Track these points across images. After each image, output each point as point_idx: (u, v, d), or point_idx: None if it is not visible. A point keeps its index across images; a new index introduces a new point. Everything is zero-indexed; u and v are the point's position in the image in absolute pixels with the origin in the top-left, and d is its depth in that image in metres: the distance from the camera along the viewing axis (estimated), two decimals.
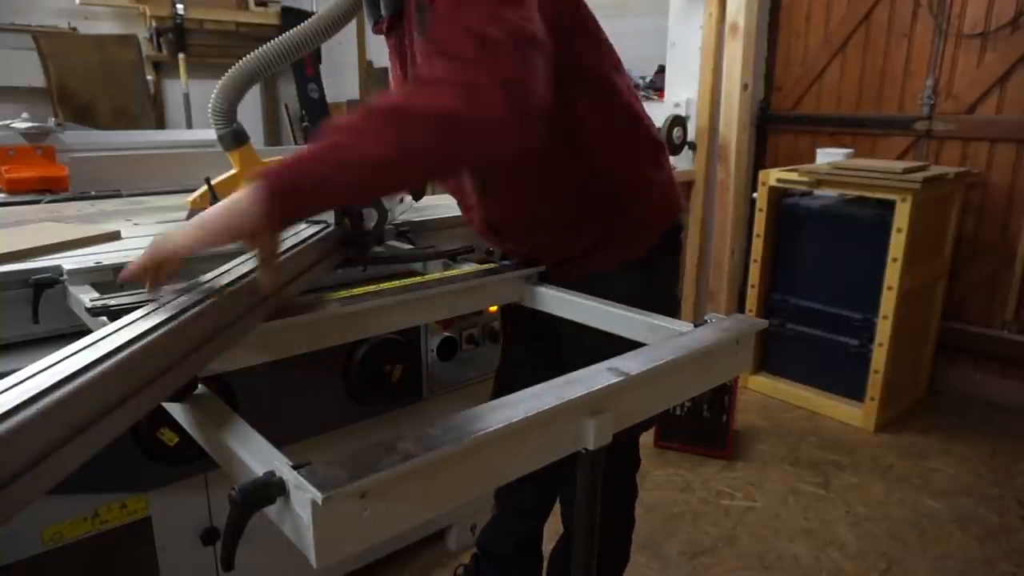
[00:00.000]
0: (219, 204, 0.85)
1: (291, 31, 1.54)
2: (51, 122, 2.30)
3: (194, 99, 4.18)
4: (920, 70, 3.07)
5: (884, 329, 2.68)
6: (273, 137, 4.77)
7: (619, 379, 0.81)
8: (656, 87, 3.70)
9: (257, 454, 0.69)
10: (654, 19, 3.34)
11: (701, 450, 2.55)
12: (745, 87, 3.18)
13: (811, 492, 2.36)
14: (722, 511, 2.24)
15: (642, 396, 0.87)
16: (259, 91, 4.65)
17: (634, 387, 0.84)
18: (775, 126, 3.57)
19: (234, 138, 1.60)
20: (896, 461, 2.56)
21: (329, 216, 1.21)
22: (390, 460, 0.62)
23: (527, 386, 0.78)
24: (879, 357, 2.71)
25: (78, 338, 0.74)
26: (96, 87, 3.85)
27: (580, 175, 1.17)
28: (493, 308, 1.72)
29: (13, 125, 2.14)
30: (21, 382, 0.57)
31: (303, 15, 3.50)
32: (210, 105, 1.56)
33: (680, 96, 3.37)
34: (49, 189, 1.99)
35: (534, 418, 0.72)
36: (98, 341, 0.67)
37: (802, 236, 2.97)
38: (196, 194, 1.62)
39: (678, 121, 3.18)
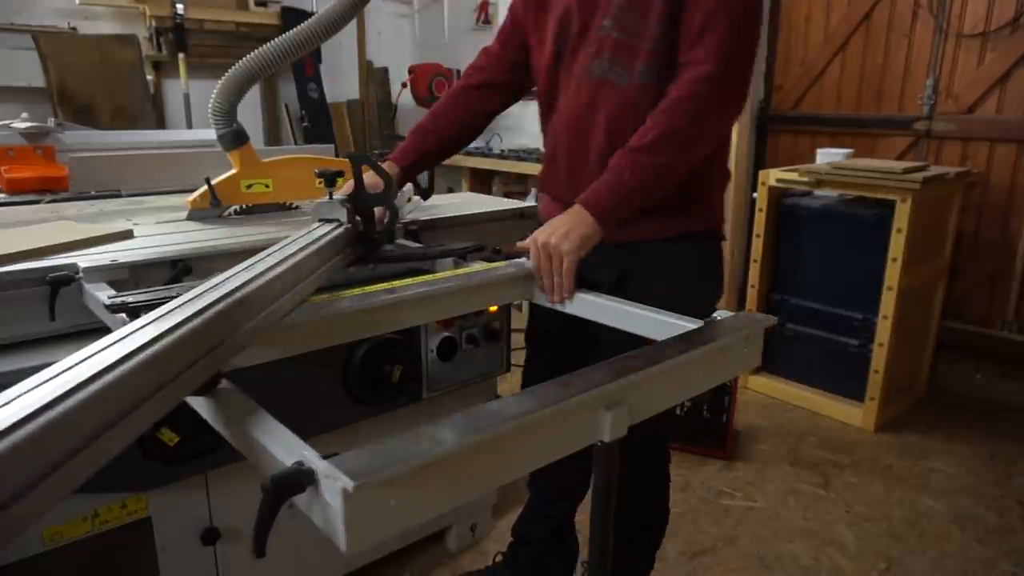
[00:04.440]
0: (567, 224, 1.21)
1: (291, 31, 1.54)
2: (51, 122, 2.30)
3: (194, 99, 4.17)
4: (920, 70, 3.07)
5: (884, 329, 2.68)
6: (273, 137, 4.77)
7: (633, 374, 0.84)
8: None
9: (284, 445, 0.70)
10: None
11: (701, 450, 2.55)
12: None
13: (811, 492, 2.36)
14: (722, 511, 2.24)
15: (655, 390, 0.90)
16: (259, 91, 4.65)
17: (647, 381, 0.87)
18: (775, 126, 3.57)
19: (234, 138, 1.61)
20: (896, 461, 2.56)
21: (341, 214, 1.22)
22: (417, 450, 0.64)
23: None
24: (879, 357, 2.71)
25: (93, 335, 0.78)
26: (96, 87, 3.85)
27: None
28: (493, 308, 1.73)
29: (13, 125, 2.13)
30: (52, 378, 0.57)
31: (303, 15, 3.50)
32: (210, 105, 1.57)
33: None
34: (49, 189, 1.99)
35: (552, 411, 0.75)
36: (125, 337, 0.68)
37: (802, 236, 2.97)
38: (196, 194, 1.62)
39: None
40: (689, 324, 1.05)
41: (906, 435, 2.76)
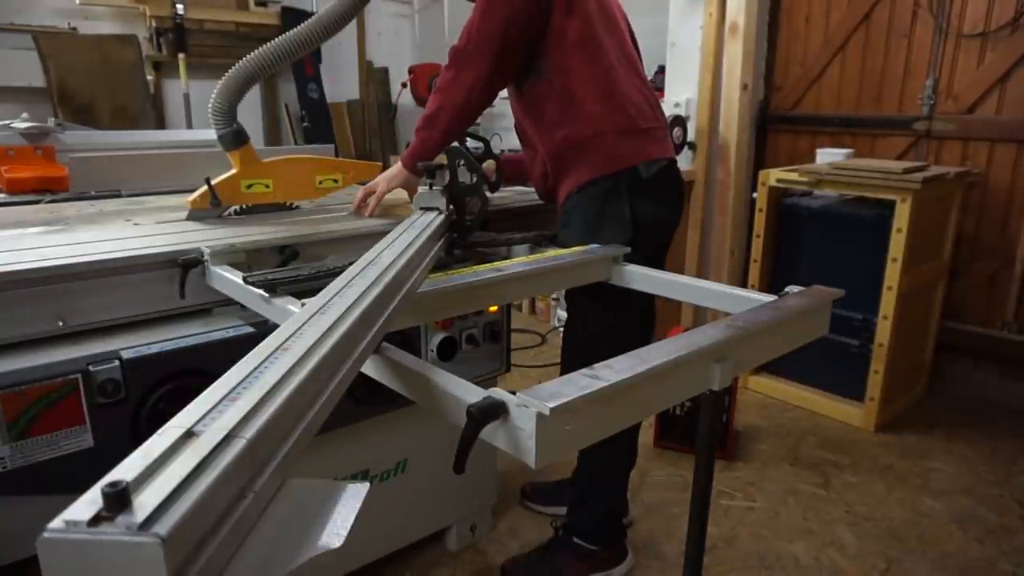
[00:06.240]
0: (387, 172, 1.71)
1: (291, 31, 1.55)
2: (51, 122, 2.30)
3: (194, 99, 4.18)
4: (920, 70, 3.07)
5: (884, 329, 2.68)
6: (273, 137, 4.77)
7: (738, 333, 0.97)
8: (656, 87, 3.70)
9: (464, 388, 0.81)
10: (654, 19, 3.34)
11: None
12: (745, 87, 3.18)
13: (811, 492, 2.36)
14: (722, 511, 2.24)
15: (754, 348, 1.04)
16: (259, 91, 4.65)
17: (748, 341, 1.00)
18: (775, 126, 3.57)
19: (234, 138, 1.61)
20: (896, 461, 2.56)
21: (441, 203, 1.43)
22: (586, 384, 0.76)
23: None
24: (879, 357, 2.71)
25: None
26: (96, 87, 3.85)
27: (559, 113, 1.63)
28: (494, 308, 1.73)
29: (13, 125, 2.13)
30: (275, 351, 0.68)
31: (303, 15, 3.50)
32: (210, 105, 1.57)
33: (680, 96, 3.37)
34: (49, 189, 1.99)
35: (678, 359, 0.87)
36: (311, 317, 0.78)
37: (802, 236, 2.97)
38: (196, 194, 1.62)
39: (678, 121, 3.18)
40: (764, 297, 1.19)
41: (906, 435, 2.76)
